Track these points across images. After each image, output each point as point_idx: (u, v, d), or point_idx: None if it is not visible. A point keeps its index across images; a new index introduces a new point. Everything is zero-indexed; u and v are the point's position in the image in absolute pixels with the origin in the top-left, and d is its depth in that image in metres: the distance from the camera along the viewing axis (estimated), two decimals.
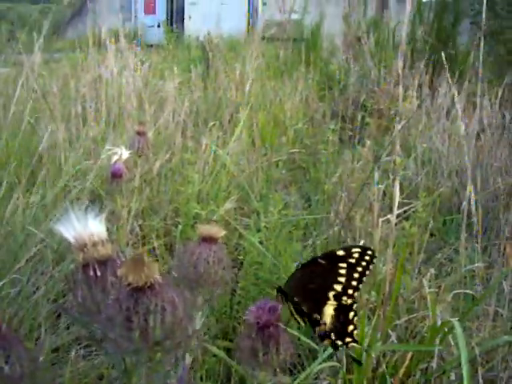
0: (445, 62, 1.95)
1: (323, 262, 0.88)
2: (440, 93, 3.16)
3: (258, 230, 1.82)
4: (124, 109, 2.44)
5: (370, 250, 0.87)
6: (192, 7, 11.18)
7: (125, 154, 1.09)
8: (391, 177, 1.67)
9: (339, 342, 0.84)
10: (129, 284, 0.56)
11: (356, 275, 0.86)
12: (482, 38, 1.97)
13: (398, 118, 2.46)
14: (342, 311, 0.86)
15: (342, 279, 0.86)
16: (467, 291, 1.38)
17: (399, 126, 1.70)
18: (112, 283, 0.64)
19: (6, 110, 2.17)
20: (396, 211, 1.27)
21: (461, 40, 4.18)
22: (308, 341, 1.16)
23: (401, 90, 1.77)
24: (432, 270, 1.31)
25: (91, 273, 0.63)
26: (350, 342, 0.85)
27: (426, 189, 2.39)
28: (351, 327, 0.85)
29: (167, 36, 6.35)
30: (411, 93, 3.25)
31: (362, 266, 0.86)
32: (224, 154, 2.24)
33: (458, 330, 0.90)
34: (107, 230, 0.69)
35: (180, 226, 1.78)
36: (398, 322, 1.29)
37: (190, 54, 5.65)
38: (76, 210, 0.64)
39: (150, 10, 13.15)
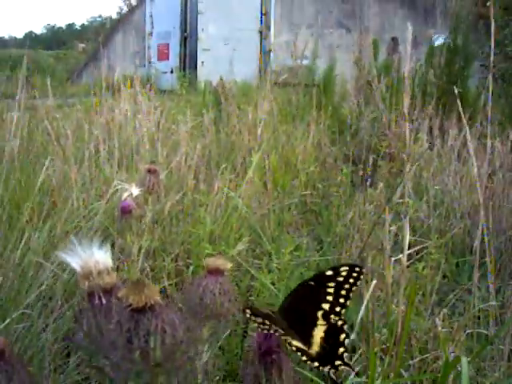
0: (458, 104, 1.96)
1: (312, 283, 0.88)
2: (451, 135, 3.17)
3: (270, 272, 1.82)
4: (137, 151, 2.47)
5: (358, 266, 0.88)
6: (205, 53, 11.34)
7: (135, 191, 1.10)
8: (403, 219, 1.66)
9: (326, 368, 0.83)
10: (129, 305, 0.56)
11: (343, 292, 0.87)
12: (491, 80, 1.99)
13: (408, 161, 2.48)
14: (332, 333, 0.86)
15: (330, 298, 0.87)
16: (481, 331, 1.37)
17: (409, 169, 1.71)
18: (116, 311, 0.64)
19: (20, 153, 2.20)
20: (407, 251, 1.26)
21: (471, 82, 4.21)
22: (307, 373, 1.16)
23: (407, 133, 1.79)
24: (445, 310, 1.30)
25: (96, 301, 0.64)
26: (340, 364, 0.84)
27: (438, 230, 2.38)
28: (341, 349, 0.85)
29: (180, 81, 6.44)
30: (422, 135, 3.27)
31: (349, 282, 0.87)
32: (236, 196, 2.25)
33: (464, 366, 0.89)
34: (117, 268, 0.70)
35: (192, 267, 1.79)
36: (411, 361, 1.27)
37: (203, 99, 5.72)
38: (82, 241, 0.65)
39: (163, 56, 13.36)
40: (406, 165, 2.65)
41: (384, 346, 1.26)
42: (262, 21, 11.69)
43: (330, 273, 0.88)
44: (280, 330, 0.78)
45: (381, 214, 1.80)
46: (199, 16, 11.89)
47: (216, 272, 0.77)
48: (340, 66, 6.43)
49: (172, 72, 12.18)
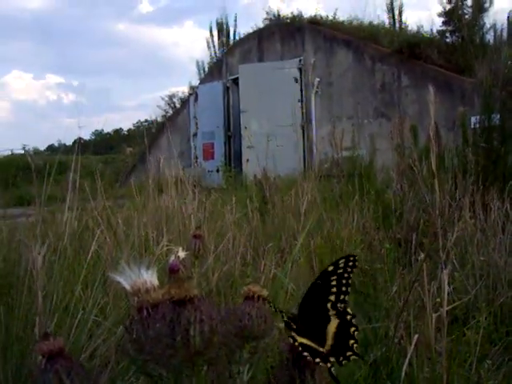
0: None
1: (319, 281, 0.97)
2: (493, 209, 3.20)
3: None
4: (184, 235, 2.57)
5: (352, 256, 0.96)
6: (249, 150, 11.59)
7: (181, 253, 1.18)
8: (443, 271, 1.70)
9: (340, 358, 0.89)
10: (171, 298, 0.64)
11: (344, 281, 0.96)
12: None
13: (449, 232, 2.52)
14: (343, 327, 0.93)
15: (334, 289, 0.96)
16: None
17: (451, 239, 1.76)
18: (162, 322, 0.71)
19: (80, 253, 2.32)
20: (446, 309, 1.30)
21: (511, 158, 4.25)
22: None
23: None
24: (489, 362, 1.32)
25: (144, 314, 0.72)
26: (351, 355, 0.90)
27: (485, 300, 2.39)
28: (352, 341, 0.91)
29: (225, 176, 6.58)
30: (464, 212, 3.31)
31: (347, 271, 0.96)
32: (282, 275, 2.31)
33: None
34: None
35: None
36: None
37: (248, 192, 5.85)
38: (131, 264, 0.73)
39: (208, 155, 13.73)
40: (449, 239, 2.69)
41: None
42: (303, 115, 11.99)
43: (330, 268, 0.97)
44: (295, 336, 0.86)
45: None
46: (242, 114, 12.25)
47: (252, 298, 0.84)
48: (381, 153, 6.56)
49: (218, 171, 12.49)
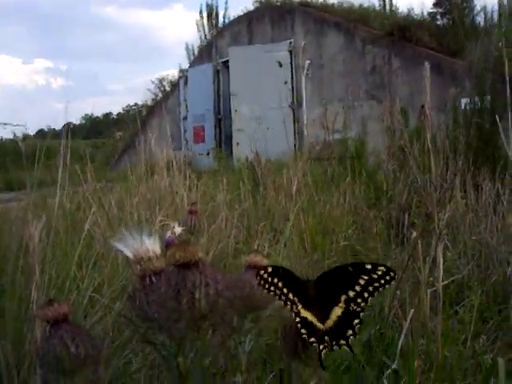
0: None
1: (350, 268, 0.95)
2: (484, 189, 3.21)
3: None
4: (177, 215, 2.57)
5: (393, 271, 0.93)
6: (239, 133, 11.57)
7: (178, 229, 1.18)
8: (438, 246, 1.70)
9: (340, 340, 0.89)
10: (176, 261, 0.64)
11: (371, 288, 0.92)
12: None
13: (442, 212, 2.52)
14: (348, 316, 0.91)
15: (358, 288, 0.93)
16: None
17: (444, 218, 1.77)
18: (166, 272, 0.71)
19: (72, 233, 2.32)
20: (441, 273, 1.31)
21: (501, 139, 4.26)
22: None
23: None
24: (484, 337, 1.33)
25: (147, 281, 0.71)
26: (343, 344, 0.89)
27: (478, 279, 2.41)
28: (350, 332, 0.90)
29: (217, 157, 6.56)
30: (456, 193, 3.32)
31: (379, 282, 0.92)
32: (275, 254, 2.31)
33: (501, 368, 0.93)
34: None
35: None
36: None
37: (240, 174, 5.84)
38: (133, 232, 0.73)
39: (199, 138, 13.70)
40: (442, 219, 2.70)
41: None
42: (293, 98, 11.97)
43: (369, 267, 0.94)
44: (292, 302, 0.86)
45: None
46: (232, 97, 12.22)
47: (254, 267, 0.84)
48: (372, 135, 6.56)
49: (208, 154, 12.47)
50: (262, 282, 0.83)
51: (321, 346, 0.86)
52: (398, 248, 2.98)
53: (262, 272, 0.84)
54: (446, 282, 1.68)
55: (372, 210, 3.94)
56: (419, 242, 2.46)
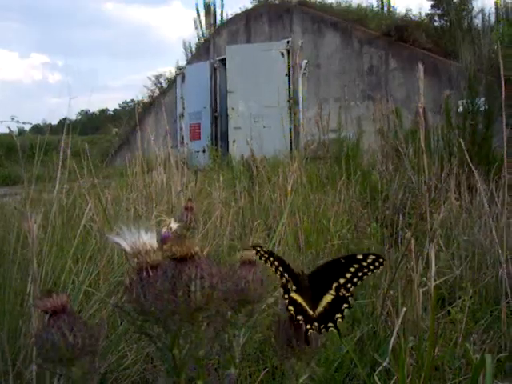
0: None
1: (343, 260, 0.99)
2: (479, 190, 3.23)
3: None
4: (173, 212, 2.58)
5: (382, 258, 0.98)
6: (235, 131, 11.58)
7: (173, 225, 1.19)
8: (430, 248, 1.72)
9: (322, 326, 0.92)
10: (173, 255, 0.66)
11: (360, 274, 0.97)
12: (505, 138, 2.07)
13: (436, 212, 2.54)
14: (337, 301, 0.96)
15: (349, 275, 0.98)
16: None
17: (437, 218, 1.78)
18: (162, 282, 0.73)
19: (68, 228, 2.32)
20: (434, 271, 1.32)
21: (495, 141, 4.28)
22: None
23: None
24: (475, 336, 1.35)
25: (144, 274, 0.73)
26: (331, 326, 0.93)
27: (470, 280, 2.42)
28: (338, 315, 0.94)
29: (212, 155, 6.57)
30: (450, 194, 3.34)
31: (369, 268, 0.97)
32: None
33: (488, 364, 0.94)
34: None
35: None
36: None
37: (235, 172, 5.85)
38: (130, 226, 0.74)
39: (195, 136, 13.69)
40: (435, 220, 2.71)
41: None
42: (290, 97, 11.98)
43: (359, 256, 0.99)
44: (285, 276, 0.89)
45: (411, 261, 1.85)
46: (229, 95, 12.21)
47: (249, 263, 0.86)
48: (367, 135, 6.58)
49: (204, 151, 12.46)
50: (260, 255, 0.88)
51: (308, 326, 0.89)
52: (391, 248, 3.00)
53: (259, 248, 0.89)
54: (438, 282, 1.69)
55: (366, 210, 3.96)
56: (412, 241, 2.49)
